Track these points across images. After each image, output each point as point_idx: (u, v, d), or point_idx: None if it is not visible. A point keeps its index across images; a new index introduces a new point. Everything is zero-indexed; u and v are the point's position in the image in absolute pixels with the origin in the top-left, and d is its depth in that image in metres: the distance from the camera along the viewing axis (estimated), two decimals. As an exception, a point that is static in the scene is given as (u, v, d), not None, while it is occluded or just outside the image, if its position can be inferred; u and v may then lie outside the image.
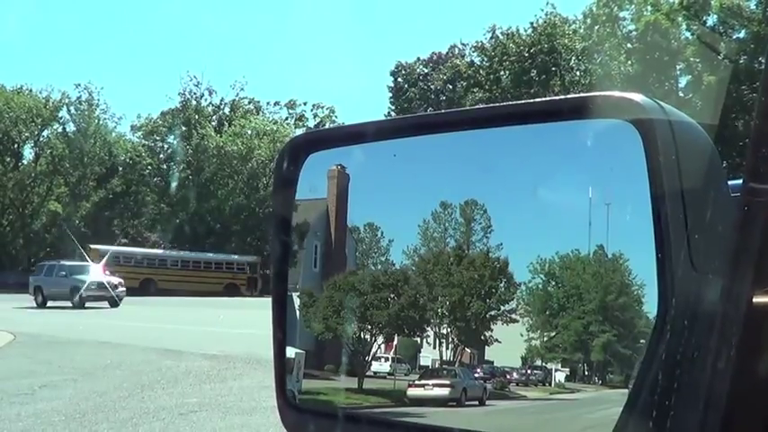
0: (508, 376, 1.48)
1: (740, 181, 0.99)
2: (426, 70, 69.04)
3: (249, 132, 67.17)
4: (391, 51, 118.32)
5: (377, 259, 1.61)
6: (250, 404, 10.40)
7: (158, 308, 35.22)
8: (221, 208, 66.04)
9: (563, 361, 1.44)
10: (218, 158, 66.17)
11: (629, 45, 49.15)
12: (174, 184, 67.77)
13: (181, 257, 59.06)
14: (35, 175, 71.08)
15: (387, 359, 1.61)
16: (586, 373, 1.42)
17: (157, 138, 73.17)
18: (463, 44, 66.69)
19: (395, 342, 1.63)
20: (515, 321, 1.41)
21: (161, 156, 72.74)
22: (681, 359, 1.05)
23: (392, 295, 1.56)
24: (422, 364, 1.56)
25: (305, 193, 1.70)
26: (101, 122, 72.11)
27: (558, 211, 1.33)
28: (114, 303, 37.25)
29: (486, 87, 59.93)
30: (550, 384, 1.44)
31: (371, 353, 1.62)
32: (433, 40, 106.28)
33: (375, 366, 1.62)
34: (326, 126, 59.53)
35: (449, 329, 1.54)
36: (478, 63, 63.30)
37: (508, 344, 1.44)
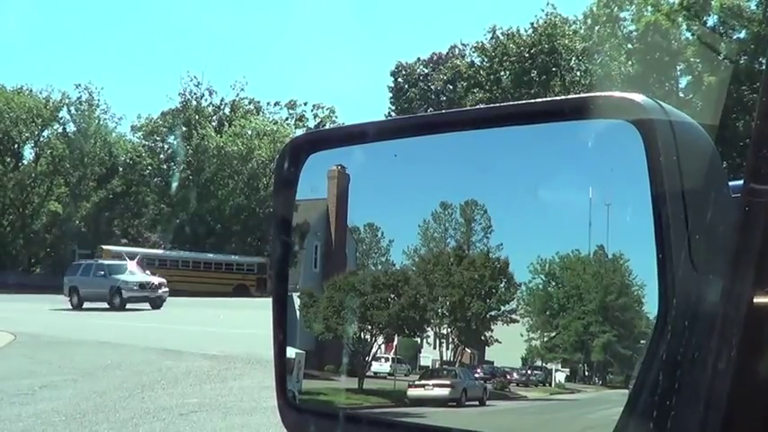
0: (508, 376, 1.48)
1: (741, 182, 0.99)
2: (426, 70, 69.08)
3: (249, 133, 67.19)
4: (391, 51, 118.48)
5: (377, 259, 1.61)
6: (250, 404, 10.40)
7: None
8: (221, 208, 66.06)
9: (563, 361, 1.44)
10: (218, 159, 66.17)
11: (629, 45, 49.17)
12: (174, 185, 67.78)
13: (192, 258, 59.03)
14: (35, 176, 71.10)
15: (387, 359, 1.61)
16: (587, 373, 1.41)
17: (158, 138, 73.20)
18: (463, 44, 66.82)
19: (395, 342, 1.63)
20: (515, 322, 1.41)
21: (161, 156, 72.75)
22: (681, 359, 1.05)
23: (392, 295, 1.56)
24: (422, 364, 1.56)
25: (305, 194, 1.70)
26: (101, 123, 72.14)
27: (558, 211, 1.33)
28: (157, 305, 35.15)
29: (487, 88, 59.93)
30: (551, 385, 1.44)
31: (372, 353, 1.62)
32: (434, 40, 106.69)
33: (375, 367, 1.62)
34: (327, 126, 59.60)
35: (449, 330, 1.54)
36: (479, 63, 63.30)
37: (508, 344, 1.44)
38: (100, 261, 39.80)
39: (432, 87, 67.99)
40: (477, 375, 1.50)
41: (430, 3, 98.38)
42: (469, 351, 1.52)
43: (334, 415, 1.57)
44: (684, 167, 1.11)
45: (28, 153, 73.33)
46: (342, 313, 1.64)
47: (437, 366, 1.54)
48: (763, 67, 1.06)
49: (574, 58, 58.45)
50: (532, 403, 1.45)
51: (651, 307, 1.11)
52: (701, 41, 44.30)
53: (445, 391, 1.51)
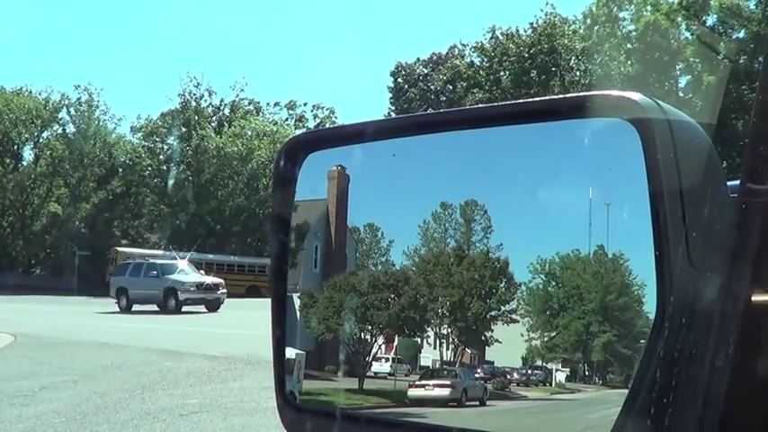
0: (509, 376, 1.48)
1: (738, 182, 1.00)
2: (426, 71, 69.06)
3: (249, 133, 67.15)
4: (391, 52, 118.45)
5: (377, 260, 1.61)
6: (251, 405, 10.40)
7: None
8: (221, 209, 66.04)
9: (563, 361, 1.44)
10: (218, 159, 66.14)
11: (628, 45, 49.15)
12: (173, 185, 67.78)
13: (205, 260, 58.83)
14: (35, 177, 71.11)
15: (387, 360, 1.62)
16: (587, 373, 1.42)
17: (157, 139, 73.13)
18: (463, 45, 66.79)
19: (395, 342, 1.63)
20: (516, 321, 1.41)
21: (161, 157, 72.68)
22: (679, 357, 1.05)
23: (392, 296, 1.56)
24: (422, 364, 1.56)
25: (305, 194, 1.70)
26: (101, 124, 72.18)
27: (558, 210, 1.33)
28: (214, 307, 32.46)
29: (486, 88, 59.92)
30: (551, 384, 1.44)
31: (372, 353, 1.62)
32: (433, 40, 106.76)
33: (375, 367, 1.62)
34: (326, 126, 59.54)
35: (449, 330, 1.54)
36: (478, 63, 63.30)
37: (509, 344, 1.44)
38: (151, 260, 37.09)
39: (431, 87, 67.97)
40: (477, 375, 1.50)
41: (430, 3, 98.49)
42: (470, 351, 1.52)
43: (333, 415, 1.58)
44: (682, 166, 1.11)
45: (27, 154, 73.52)
46: (342, 314, 1.64)
47: (437, 366, 1.54)
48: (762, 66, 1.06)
49: (573, 58, 58.43)
50: (533, 403, 1.45)
51: (651, 306, 1.12)
52: (700, 41, 44.30)
53: (446, 392, 1.52)
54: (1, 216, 71.23)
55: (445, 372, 1.52)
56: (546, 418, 1.51)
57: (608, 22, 49.11)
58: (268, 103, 76.62)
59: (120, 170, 72.06)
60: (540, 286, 1.37)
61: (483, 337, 1.48)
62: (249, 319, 26.31)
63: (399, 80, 69.33)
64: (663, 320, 1.07)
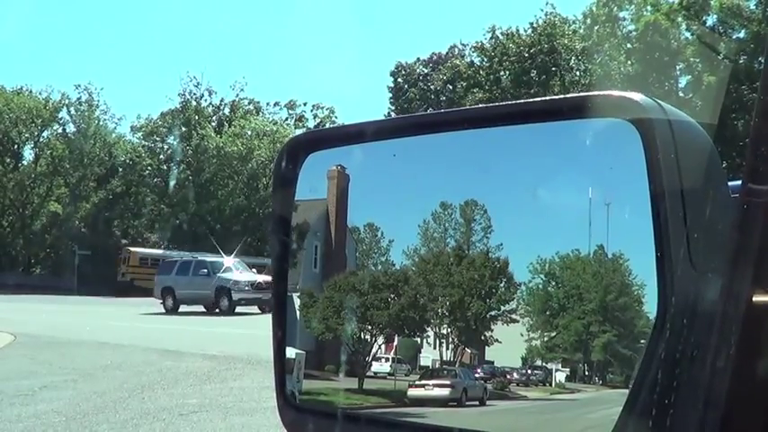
0: (508, 376, 1.48)
1: (739, 182, 1.00)
2: (426, 70, 69.08)
3: (249, 133, 67.16)
4: (391, 51, 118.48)
5: (377, 260, 1.61)
6: (251, 405, 10.40)
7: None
8: (221, 209, 66.05)
9: (563, 361, 1.44)
10: (218, 159, 66.16)
11: (628, 45, 49.14)
12: (174, 185, 67.79)
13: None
14: (35, 176, 71.11)
15: (387, 359, 1.62)
16: (587, 373, 1.42)
17: (157, 138, 73.14)
18: (463, 44, 66.79)
19: (395, 342, 1.63)
20: (515, 321, 1.41)
21: (161, 156, 72.71)
22: (680, 358, 1.05)
23: (392, 296, 1.56)
24: (422, 364, 1.56)
25: (305, 194, 1.70)
26: (101, 123, 72.19)
27: (558, 210, 1.33)
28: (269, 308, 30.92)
29: (486, 88, 59.92)
30: (551, 384, 1.44)
31: (372, 353, 1.62)
32: (433, 40, 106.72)
33: (375, 367, 1.62)
34: (326, 126, 59.55)
35: (449, 330, 1.54)
36: (478, 63, 63.29)
37: (508, 344, 1.44)
38: (200, 257, 34.75)
39: (431, 87, 67.98)
40: (477, 375, 1.50)
41: (430, 3, 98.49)
42: (469, 351, 1.52)
43: (333, 414, 1.58)
44: (683, 166, 1.11)
45: (28, 154, 73.49)
46: (342, 313, 1.64)
47: (437, 366, 1.54)
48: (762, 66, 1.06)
49: (573, 58, 58.44)
50: (533, 403, 1.45)
51: (651, 306, 1.12)
52: (700, 41, 44.30)
53: (445, 391, 1.51)
54: (1, 216, 71.23)
55: (445, 372, 1.52)
56: (546, 418, 1.51)
57: (608, 21, 49.11)
58: (268, 103, 76.73)
59: (120, 170, 72.08)
60: (540, 286, 1.37)
61: (483, 337, 1.48)
62: (250, 320, 26.33)
63: (399, 80, 69.35)
64: (664, 321, 1.07)
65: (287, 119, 75.51)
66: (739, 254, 0.96)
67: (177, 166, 69.02)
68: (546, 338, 1.41)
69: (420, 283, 1.52)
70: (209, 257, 35.22)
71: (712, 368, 0.97)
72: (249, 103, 75.19)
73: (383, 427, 1.54)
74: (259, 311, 29.26)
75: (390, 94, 69.56)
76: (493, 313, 1.44)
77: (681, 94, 47.10)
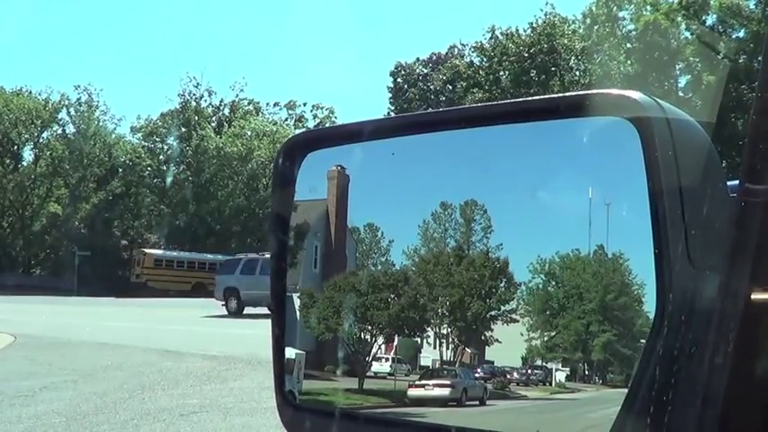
0: (509, 376, 1.48)
1: (737, 182, 1.00)
2: (426, 71, 69.06)
3: (249, 133, 67.13)
4: (391, 51, 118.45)
5: (377, 260, 1.61)
6: (251, 405, 10.40)
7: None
8: (221, 209, 66.03)
9: (563, 361, 1.44)
10: (217, 159, 66.14)
11: (628, 45, 49.13)
12: (173, 186, 67.78)
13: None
14: (35, 177, 71.10)
15: (387, 359, 1.62)
16: (587, 372, 1.42)
17: (157, 139, 73.15)
18: (462, 44, 66.78)
19: (395, 342, 1.63)
20: (516, 321, 1.41)
21: (161, 157, 72.69)
22: (678, 355, 1.05)
23: (392, 296, 1.56)
24: (422, 364, 1.56)
25: (305, 194, 1.70)
26: (100, 124, 72.18)
27: (557, 210, 1.33)
28: None
29: (486, 88, 59.89)
30: (551, 384, 1.44)
31: (372, 353, 1.62)
32: (433, 40, 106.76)
33: (375, 367, 1.62)
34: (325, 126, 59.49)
35: (449, 330, 1.54)
36: (478, 63, 63.26)
37: (508, 344, 1.44)
38: (268, 256, 33.67)
39: (431, 87, 67.95)
40: (477, 375, 1.50)
41: (429, 3, 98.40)
42: (469, 351, 1.52)
43: (332, 413, 1.58)
44: (681, 164, 1.11)
45: (27, 154, 73.48)
46: (342, 313, 1.64)
47: (437, 366, 1.54)
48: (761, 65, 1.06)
49: (573, 58, 58.43)
50: (533, 403, 1.45)
51: (651, 306, 1.12)
52: (700, 40, 44.30)
53: (445, 391, 1.52)
54: (1, 216, 71.21)
55: (445, 371, 1.52)
56: (546, 418, 1.51)
57: (608, 21, 49.11)
58: (268, 104, 76.73)
59: (120, 170, 72.03)
60: (540, 286, 1.37)
61: (483, 337, 1.48)
62: (248, 319, 26.09)
63: (399, 80, 69.32)
64: (662, 319, 1.07)
65: (287, 119, 75.58)
66: (737, 251, 0.96)
67: (177, 166, 69.04)
68: (546, 338, 1.41)
69: (420, 284, 1.52)
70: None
71: (710, 365, 0.97)
72: (249, 104, 75.23)
73: (383, 426, 1.54)
74: None
75: (390, 95, 69.59)
76: (493, 313, 1.44)
77: (680, 94, 47.10)
